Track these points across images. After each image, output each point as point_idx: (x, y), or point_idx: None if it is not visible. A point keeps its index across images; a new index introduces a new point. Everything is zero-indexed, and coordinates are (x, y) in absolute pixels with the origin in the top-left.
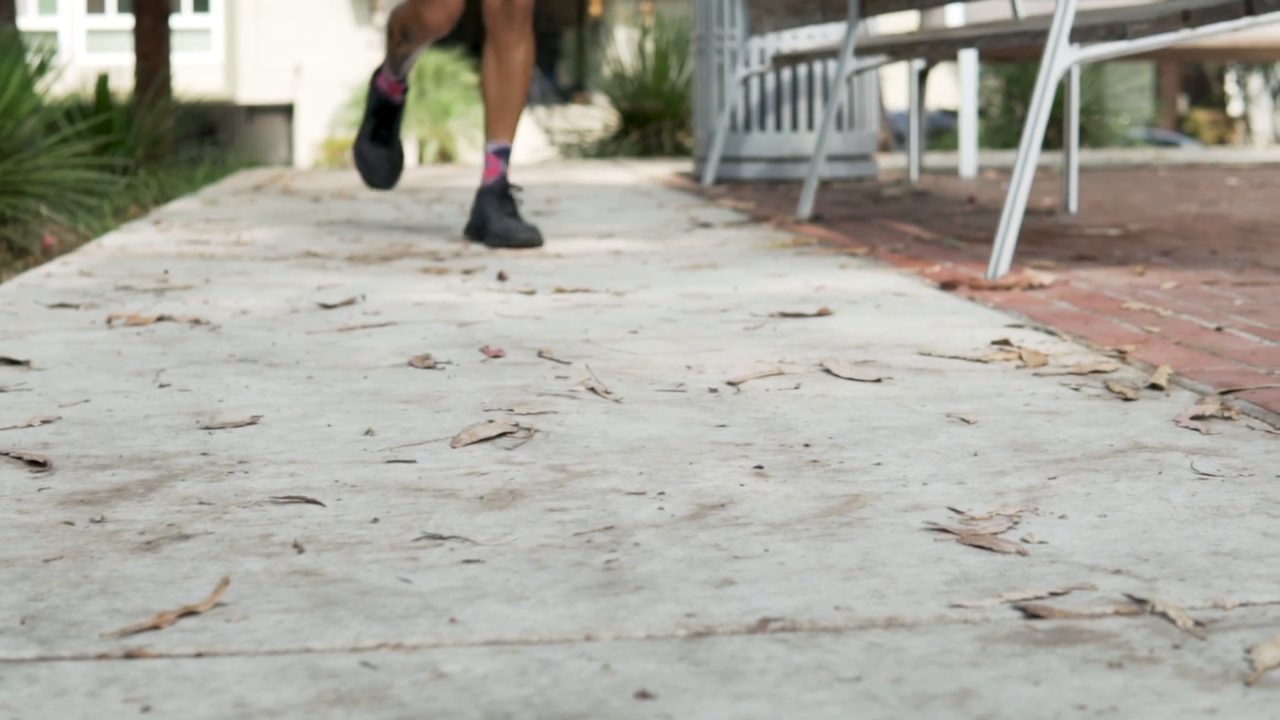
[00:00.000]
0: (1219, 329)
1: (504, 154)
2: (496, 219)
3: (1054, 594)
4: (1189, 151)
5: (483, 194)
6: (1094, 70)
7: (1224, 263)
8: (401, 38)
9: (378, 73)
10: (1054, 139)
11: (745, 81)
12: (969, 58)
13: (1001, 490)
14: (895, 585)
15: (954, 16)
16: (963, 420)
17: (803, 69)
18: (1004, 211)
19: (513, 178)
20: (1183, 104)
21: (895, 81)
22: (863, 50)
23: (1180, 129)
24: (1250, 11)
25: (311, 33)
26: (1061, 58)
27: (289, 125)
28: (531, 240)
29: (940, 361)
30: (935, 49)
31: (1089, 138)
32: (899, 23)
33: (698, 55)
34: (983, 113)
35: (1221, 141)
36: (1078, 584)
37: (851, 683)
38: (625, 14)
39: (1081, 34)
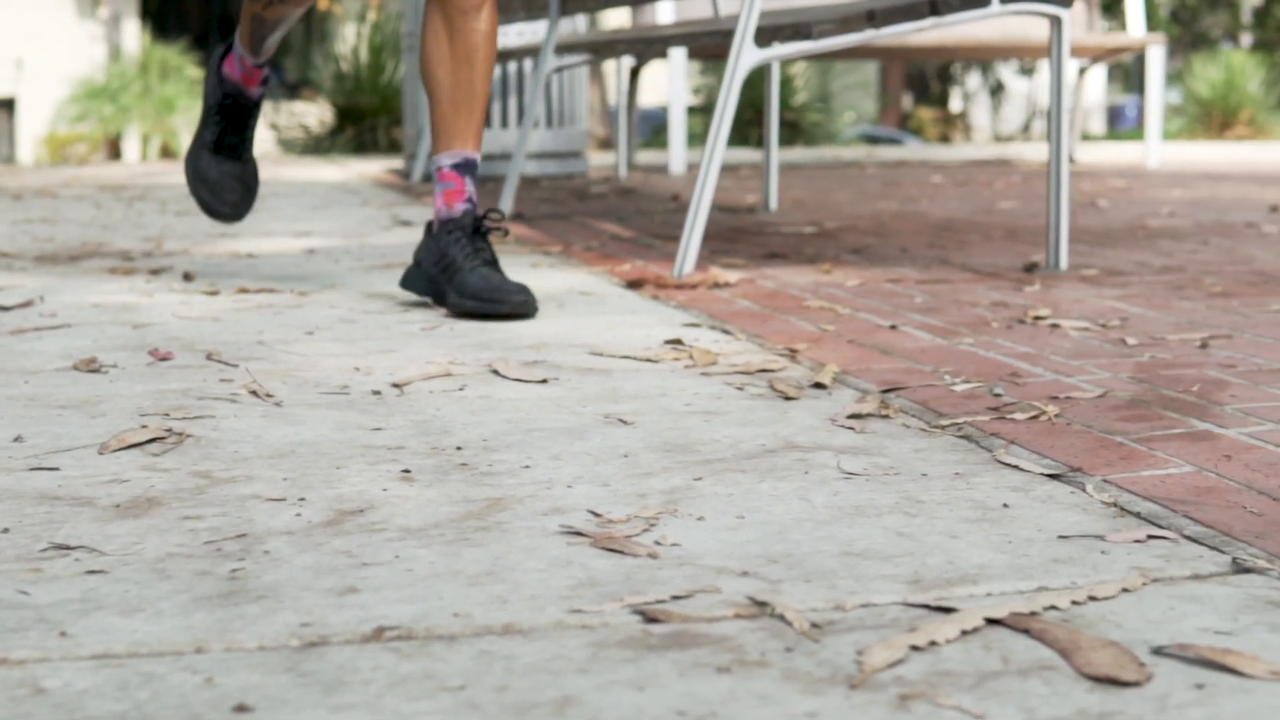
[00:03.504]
0: (893, 327)
1: (470, 169)
2: (469, 271)
3: (676, 597)
4: (901, 149)
5: (443, 231)
6: (817, 67)
7: (912, 260)
8: None
9: (223, 56)
10: (784, 136)
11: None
12: (678, 55)
13: (645, 492)
14: (519, 591)
15: (665, 14)
16: (620, 421)
17: (513, 66)
18: (689, 210)
19: None
20: (907, 101)
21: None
22: (564, 48)
23: (905, 126)
24: (935, 12)
25: (33, 26)
26: (746, 57)
27: (10, 121)
28: (525, 307)
29: (610, 361)
30: (634, 47)
31: (805, 135)
32: (631, 18)
33: (407, 51)
34: (709, 109)
35: (944, 139)
36: (703, 587)
37: (455, 691)
38: (342, 10)
39: (768, 34)
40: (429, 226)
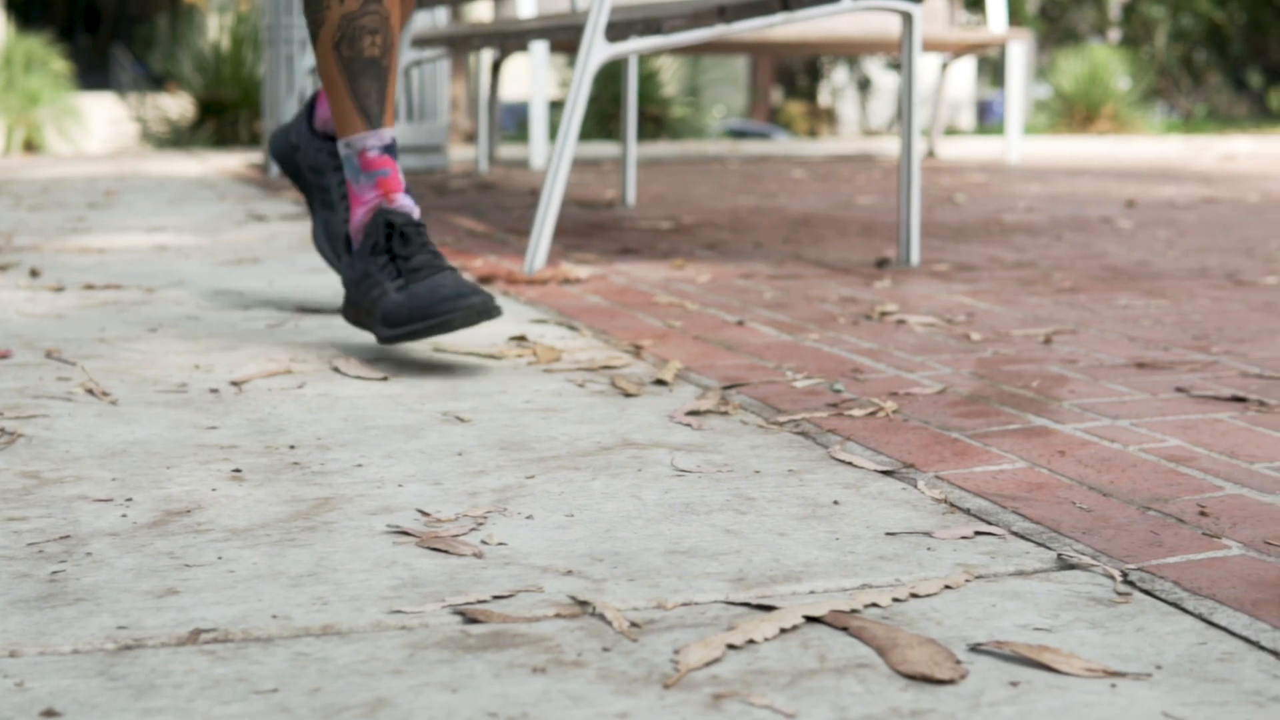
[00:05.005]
0: (740, 323)
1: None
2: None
3: (498, 597)
4: (765, 144)
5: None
6: (686, 61)
7: (766, 256)
8: None
9: (348, 245)
10: (648, 131)
11: (313, 71)
12: (540, 49)
13: (476, 491)
14: (341, 592)
15: (527, 8)
16: (458, 419)
17: None
18: (540, 205)
19: (81, 170)
20: (777, 96)
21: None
22: (421, 42)
23: (774, 120)
24: (786, 8)
25: None
26: (597, 52)
27: None
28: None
29: (454, 358)
30: (491, 40)
31: (670, 129)
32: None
33: (268, 45)
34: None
35: (813, 133)
36: (526, 586)
37: (267, 695)
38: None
39: (620, 28)
40: (309, 112)
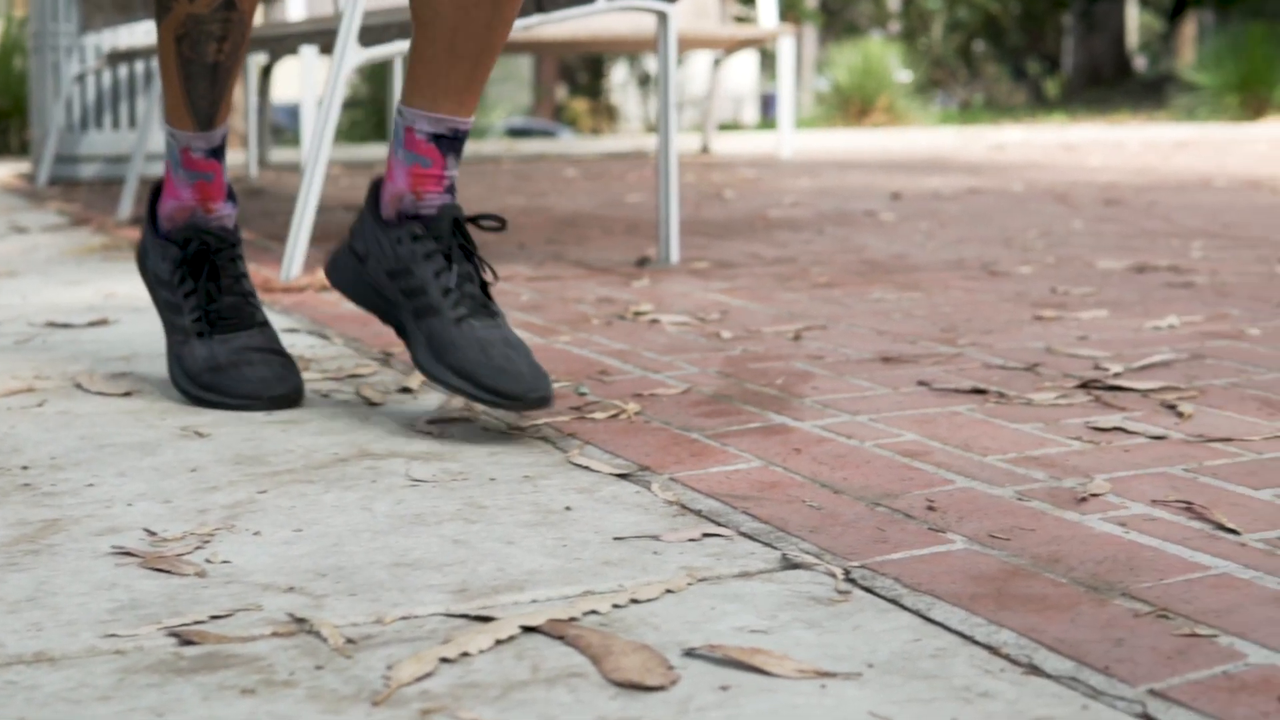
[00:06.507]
0: None
1: (455, 145)
2: (454, 325)
3: (215, 617)
4: (541, 143)
5: (403, 229)
6: None
7: (528, 257)
8: None
9: (153, 205)
10: None
11: (80, 79)
12: (309, 53)
13: (206, 508)
14: (58, 616)
15: (296, 11)
16: (197, 434)
17: (140, 65)
18: (296, 211)
19: None
20: (562, 93)
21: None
22: None
23: (559, 118)
24: (540, 9)
25: None
26: (350, 57)
27: None
28: (544, 402)
29: None
30: (257, 45)
31: None
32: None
33: (34, 52)
34: (354, 105)
35: (596, 130)
36: (245, 605)
37: None
38: None
39: (375, 33)
40: (373, 201)
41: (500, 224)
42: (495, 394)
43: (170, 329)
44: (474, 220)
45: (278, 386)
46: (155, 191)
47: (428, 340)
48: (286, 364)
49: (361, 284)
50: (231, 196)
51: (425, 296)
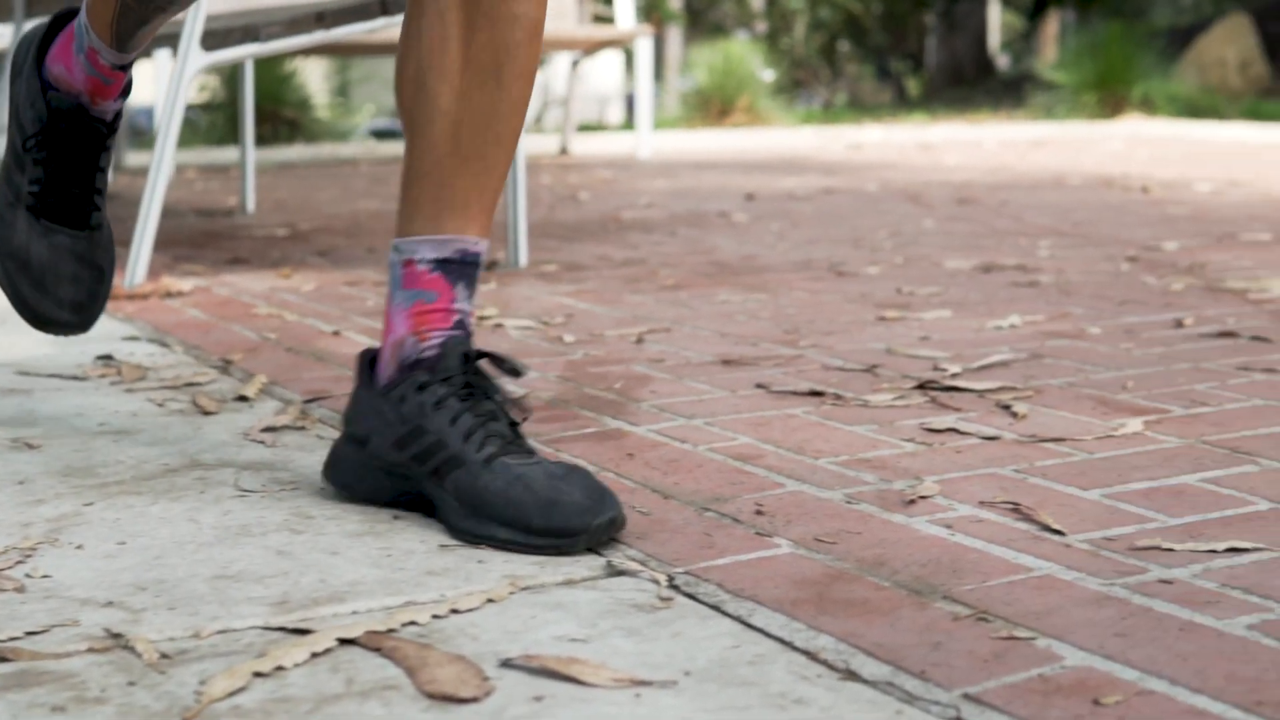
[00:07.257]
0: (336, 332)
1: (466, 272)
2: (483, 467)
3: (31, 633)
4: (403, 145)
5: (407, 383)
6: (336, 62)
7: (378, 261)
8: None
9: (42, 45)
10: (283, 134)
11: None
12: (163, 55)
13: (30, 521)
14: None
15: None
16: (27, 445)
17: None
18: (139, 216)
19: None
20: None
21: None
22: None
23: None
24: (386, 12)
25: None
26: (193, 61)
27: None
28: (614, 529)
29: (35, 381)
30: None
31: (306, 132)
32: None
33: None
34: (212, 107)
35: None
36: (63, 620)
37: None
38: None
39: (218, 37)
40: (366, 374)
41: (517, 374)
42: (552, 535)
43: (4, 177)
44: (487, 357)
45: (83, 302)
46: (55, 24)
47: (456, 497)
48: (97, 279)
49: (368, 473)
50: (126, 93)
51: (444, 450)
